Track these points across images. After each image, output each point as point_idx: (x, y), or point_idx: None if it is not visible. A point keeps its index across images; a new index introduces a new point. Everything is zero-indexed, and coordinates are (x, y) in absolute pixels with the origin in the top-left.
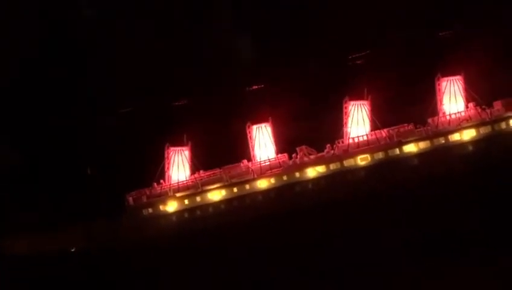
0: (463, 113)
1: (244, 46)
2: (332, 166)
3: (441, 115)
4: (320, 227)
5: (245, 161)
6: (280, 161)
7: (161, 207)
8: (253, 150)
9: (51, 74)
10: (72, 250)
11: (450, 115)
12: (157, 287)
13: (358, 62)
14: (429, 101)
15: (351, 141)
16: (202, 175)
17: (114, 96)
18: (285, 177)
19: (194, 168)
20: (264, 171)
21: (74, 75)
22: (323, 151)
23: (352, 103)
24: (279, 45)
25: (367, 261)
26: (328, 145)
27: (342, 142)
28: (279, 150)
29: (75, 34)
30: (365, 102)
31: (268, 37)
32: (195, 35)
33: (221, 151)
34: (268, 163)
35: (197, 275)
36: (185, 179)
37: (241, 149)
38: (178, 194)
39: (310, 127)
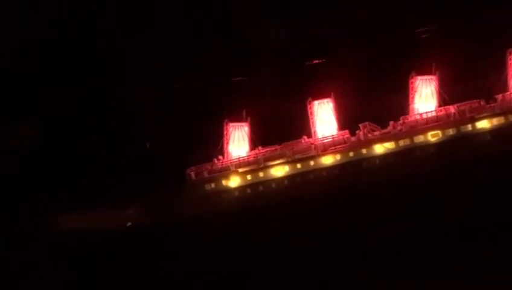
0: None
1: (305, 20)
2: (401, 142)
3: (511, 90)
4: (388, 204)
5: (305, 138)
6: (344, 137)
7: (223, 182)
8: (314, 126)
9: (108, 49)
10: (128, 225)
11: None
12: (218, 262)
13: (425, 36)
14: (497, 76)
15: (418, 117)
16: (261, 151)
17: (174, 72)
18: (351, 154)
19: (253, 144)
20: (327, 148)
21: (134, 51)
22: (385, 128)
23: (419, 78)
24: (342, 19)
25: (435, 237)
26: (392, 122)
27: (407, 118)
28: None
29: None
30: (433, 77)
31: (330, 11)
32: (255, 9)
33: (279, 128)
34: (331, 140)
35: (259, 251)
36: (245, 155)
37: (300, 125)
38: (241, 170)
39: (371, 103)
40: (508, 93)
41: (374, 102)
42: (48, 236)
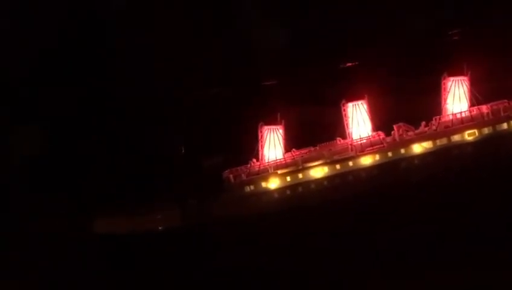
0: None
1: (338, 22)
2: (438, 142)
3: None
4: (428, 203)
5: (340, 139)
6: (381, 137)
7: (263, 184)
8: (348, 127)
9: (143, 54)
10: (160, 228)
11: None
12: (259, 264)
13: (456, 37)
14: None
15: (452, 117)
16: (297, 153)
17: (208, 76)
18: (390, 154)
19: (287, 147)
20: (364, 149)
21: (166, 55)
22: (418, 128)
23: (451, 78)
24: (374, 21)
25: (472, 237)
26: (424, 122)
27: (441, 118)
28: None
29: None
30: (465, 78)
31: (361, 12)
32: (286, 11)
33: (312, 130)
34: (368, 140)
35: (300, 252)
36: (280, 157)
37: (332, 128)
38: (280, 171)
39: (404, 104)
40: None
41: (406, 103)
42: (83, 239)
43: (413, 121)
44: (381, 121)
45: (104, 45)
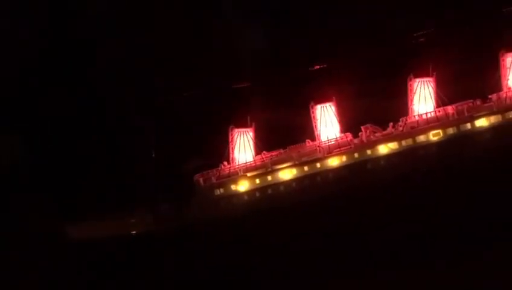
0: None
1: (305, 25)
2: (404, 142)
3: (505, 90)
4: (395, 204)
5: (309, 141)
6: (348, 139)
7: (232, 187)
8: (317, 129)
9: (113, 59)
10: (133, 233)
11: None
12: (230, 266)
13: (422, 39)
14: (490, 77)
15: (418, 118)
16: (266, 155)
17: (179, 79)
18: (356, 155)
19: (257, 149)
20: (332, 150)
21: (136, 60)
22: (385, 129)
23: (417, 80)
24: (341, 23)
25: (439, 237)
26: (391, 123)
27: (407, 119)
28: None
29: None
30: (430, 79)
31: (328, 15)
32: (255, 15)
33: (281, 132)
34: (336, 142)
35: (270, 254)
36: (251, 160)
37: (301, 130)
38: (249, 174)
39: (371, 105)
40: (503, 92)
41: (374, 105)
42: (55, 245)
43: (382, 122)
44: (350, 123)
45: (72, 48)
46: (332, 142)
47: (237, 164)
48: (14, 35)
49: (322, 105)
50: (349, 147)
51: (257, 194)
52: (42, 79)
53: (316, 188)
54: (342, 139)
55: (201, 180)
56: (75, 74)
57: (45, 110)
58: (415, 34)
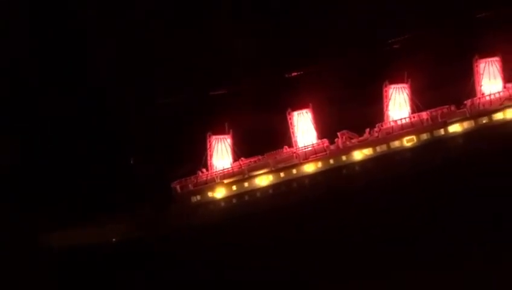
0: (502, 94)
1: (281, 33)
2: (378, 148)
3: (479, 96)
4: (370, 209)
5: (286, 147)
6: (324, 145)
7: (209, 194)
8: (294, 136)
9: (91, 66)
10: (114, 240)
11: (490, 95)
12: (207, 273)
13: (397, 46)
14: (465, 83)
15: (393, 124)
16: (244, 162)
17: (155, 88)
18: (331, 161)
19: (235, 156)
20: (308, 156)
21: (114, 68)
22: (362, 135)
23: (392, 86)
24: (316, 30)
25: (416, 242)
26: (368, 129)
27: (383, 125)
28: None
29: (113, 24)
30: (405, 85)
31: (304, 23)
32: (231, 23)
33: (260, 139)
34: (312, 148)
35: (248, 260)
36: (229, 166)
37: (280, 136)
38: (226, 181)
39: (348, 112)
40: (476, 98)
41: (350, 111)
42: (35, 253)
43: (360, 128)
44: (327, 129)
45: (48, 51)
46: (309, 149)
47: (215, 170)
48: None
49: (299, 112)
50: (324, 153)
51: (234, 200)
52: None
53: (292, 194)
54: (318, 145)
55: (178, 187)
56: (51, 81)
57: (17, 117)
58: (390, 41)
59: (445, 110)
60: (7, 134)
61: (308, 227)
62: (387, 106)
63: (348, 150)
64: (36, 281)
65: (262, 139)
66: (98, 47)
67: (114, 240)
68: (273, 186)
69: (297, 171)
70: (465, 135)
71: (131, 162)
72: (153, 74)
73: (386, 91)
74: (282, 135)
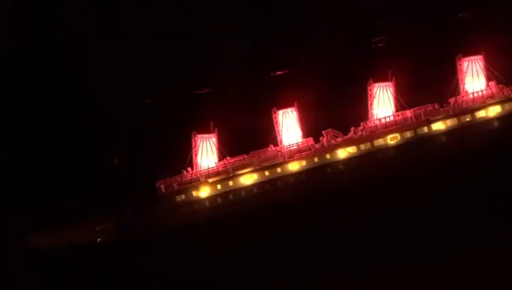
0: (485, 92)
1: (266, 32)
2: (362, 146)
3: (463, 94)
4: (354, 207)
5: (272, 146)
6: (309, 144)
7: (194, 193)
8: (279, 134)
9: (76, 65)
10: (98, 240)
11: (473, 93)
12: (193, 273)
13: (381, 44)
14: (449, 81)
15: (377, 122)
16: (230, 161)
17: (138, 87)
18: (316, 159)
19: (221, 155)
20: (293, 155)
21: (98, 67)
22: (347, 134)
23: (376, 84)
24: (301, 29)
25: (400, 239)
26: (353, 128)
27: (367, 124)
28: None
29: (101, 26)
30: (389, 83)
31: (289, 22)
32: (216, 23)
33: (245, 138)
34: (297, 147)
35: (232, 260)
36: (214, 165)
37: (266, 135)
38: (210, 180)
39: (333, 110)
40: (460, 96)
41: (335, 109)
42: (18, 254)
43: (345, 126)
44: (312, 128)
45: (35, 50)
46: (294, 147)
47: (200, 169)
48: None
49: (284, 110)
50: (309, 151)
51: (218, 199)
52: None
53: (277, 192)
54: (303, 144)
55: (162, 187)
56: (33, 81)
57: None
58: (374, 40)
59: (429, 109)
60: None
61: (293, 225)
62: (371, 104)
63: (332, 149)
64: (19, 283)
65: (248, 138)
66: (82, 47)
67: (99, 240)
68: (257, 185)
69: (282, 169)
70: (448, 132)
71: (115, 162)
72: (138, 73)
73: (370, 89)
74: (268, 134)
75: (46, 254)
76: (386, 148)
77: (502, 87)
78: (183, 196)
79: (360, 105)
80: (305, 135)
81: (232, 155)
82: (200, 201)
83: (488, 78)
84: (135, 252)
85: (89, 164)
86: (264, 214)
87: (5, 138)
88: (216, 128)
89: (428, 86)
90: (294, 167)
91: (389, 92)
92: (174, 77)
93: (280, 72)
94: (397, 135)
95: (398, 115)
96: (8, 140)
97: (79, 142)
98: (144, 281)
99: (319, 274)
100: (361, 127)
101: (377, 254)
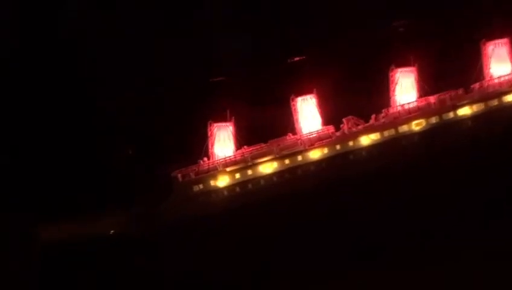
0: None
1: (285, 18)
2: (386, 133)
3: (488, 78)
4: (378, 194)
5: (290, 135)
6: (330, 131)
7: (212, 182)
8: (298, 122)
9: (91, 57)
10: (111, 232)
11: (499, 77)
12: (210, 263)
13: (402, 29)
14: (471, 66)
15: (400, 108)
16: (247, 150)
17: (157, 76)
18: (338, 147)
19: (238, 144)
20: (313, 143)
21: (113, 58)
22: (368, 121)
23: (399, 70)
24: (320, 14)
25: (422, 227)
26: (374, 115)
27: (389, 110)
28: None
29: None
30: (412, 68)
31: (308, 7)
32: (234, 9)
33: (263, 126)
34: (317, 134)
35: (253, 250)
36: (231, 155)
37: (285, 123)
38: (229, 169)
39: (353, 97)
40: (485, 81)
41: (355, 96)
42: (32, 246)
43: (364, 114)
44: (331, 115)
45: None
46: (314, 135)
47: (217, 158)
48: None
49: (303, 97)
50: (330, 139)
51: (237, 189)
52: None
53: (297, 181)
54: (323, 131)
55: (179, 176)
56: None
57: (18, 110)
58: (395, 24)
59: (454, 94)
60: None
61: (314, 215)
62: (393, 90)
63: (354, 136)
64: (33, 276)
65: (264, 126)
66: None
67: (112, 232)
68: (277, 173)
69: (302, 157)
70: (475, 117)
71: (130, 152)
72: (153, 62)
73: (392, 75)
74: (285, 122)
75: (59, 246)
76: (411, 135)
77: None
78: (200, 186)
79: (380, 92)
80: (325, 123)
81: (247, 144)
82: (218, 190)
83: None
84: (149, 244)
85: (103, 156)
86: (283, 203)
87: (15, 130)
88: (233, 117)
89: (450, 71)
90: (315, 154)
91: (411, 77)
92: (189, 65)
93: (298, 58)
94: (422, 120)
95: (422, 101)
96: (18, 136)
97: (94, 135)
98: (159, 272)
99: (338, 265)
100: (383, 114)
101: (403, 243)
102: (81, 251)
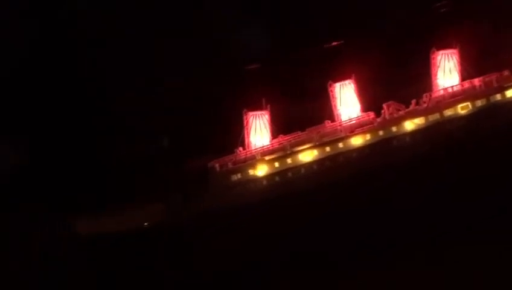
0: None
1: (319, 2)
2: (430, 117)
3: None
4: (423, 180)
5: (328, 122)
6: (370, 117)
7: (250, 172)
8: (336, 109)
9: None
10: (146, 224)
11: None
12: (249, 256)
13: (443, 10)
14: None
15: (443, 92)
16: (284, 139)
17: (189, 64)
18: (381, 132)
19: (274, 133)
20: (353, 129)
21: (139, 47)
22: (408, 106)
23: (440, 52)
24: None
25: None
26: (414, 100)
27: (431, 94)
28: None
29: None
30: (454, 51)
31: None
32: None
33: (301, 114)
34: (357, 121)
35: (292, 240)
36: (268, 143)
37: (322, 110)
38: (267, 157)
39: (393, 82)
40: None
41: (394, 82)
42: (67, 237)
43: (403, 100)
44: (370, 100)
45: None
46: (354, 121)
47: (253, 148)
48: None
49: (341, 83)
50: (371, 125)
51: (277, 178)
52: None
53: (339, 169)
54: (363, 117)
55: (216, 166)
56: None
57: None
58: (436, 5)
59: (498, 75)
60: (30, 125)
61: (358, 203)
62: (435, 74)
63: (396, 121)
64: (69, 268)
65: (301, 114)
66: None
67: (146, 224)
68: (318, 161)
69: (343, 144)
70: None
71: (165, 143)
72: (185, 51)
73: (433, 58)
74: (322, 109)
75: (93, 238)
76: (457, 118)
77: None
78: (239, 175)
79: (419, 76)
80: (364, 109)
81: (284, 133)
82: (256, 180)
83: None
84: (187, 234)
85: (138, 146)
86: (325, 192)
87: (46, 127)
88: (268, 105)
89: (493, 53)
90: (357, 141)
91: (454, 60)
92: (224, 53)
93: (335, 43)
94: (468, 103)
95: (465, 84)
96: (50, 128)
97: (128, 126)
98: (196, 264)
99: (384, 253)
100: (425, 98)
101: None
102: (119, 244)
